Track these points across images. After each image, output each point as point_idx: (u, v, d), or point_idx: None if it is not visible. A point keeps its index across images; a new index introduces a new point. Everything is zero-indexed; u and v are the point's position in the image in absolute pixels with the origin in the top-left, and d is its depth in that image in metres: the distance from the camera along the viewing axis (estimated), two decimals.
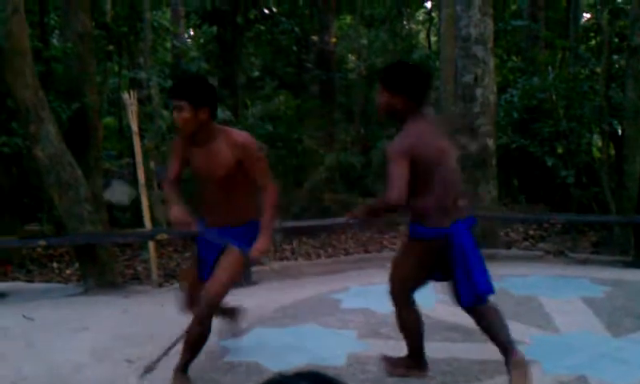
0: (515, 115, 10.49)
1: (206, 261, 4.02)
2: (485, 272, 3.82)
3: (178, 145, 4.11)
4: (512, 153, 11.44)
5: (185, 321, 4.02)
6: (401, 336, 4.11)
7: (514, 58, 14.74)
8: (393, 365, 4.17)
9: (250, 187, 3.97)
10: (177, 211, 3.94)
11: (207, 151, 3.86)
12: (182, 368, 3.96)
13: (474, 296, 3.81)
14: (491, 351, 4.50)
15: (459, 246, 3.76)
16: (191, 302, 4.08)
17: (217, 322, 4.67)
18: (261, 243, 3.92)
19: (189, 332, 3.91)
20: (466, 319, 5.24)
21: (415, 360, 4.11)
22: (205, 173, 3.92)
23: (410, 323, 4.05)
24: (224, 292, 3.88)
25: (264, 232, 3.96)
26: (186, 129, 3.82)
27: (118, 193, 4.08)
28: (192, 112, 3.76)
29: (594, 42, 13.31)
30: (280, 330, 5.17)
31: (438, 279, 4.01)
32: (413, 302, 4.03)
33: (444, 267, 3.86)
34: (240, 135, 3.99)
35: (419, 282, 4.02)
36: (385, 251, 9.00)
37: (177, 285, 6.68)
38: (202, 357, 4.11)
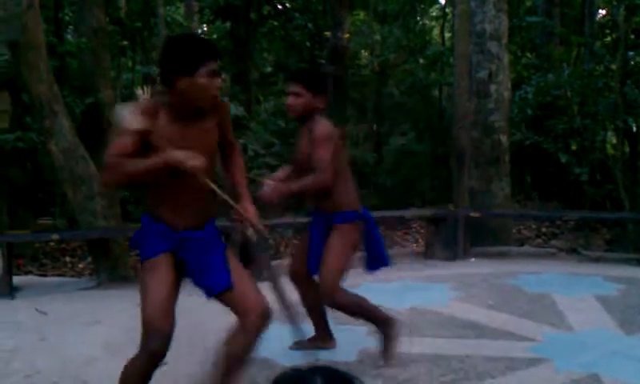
0: (529, 112, 10.43)
1: (207, 263, 3.16)
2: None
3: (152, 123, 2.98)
4: (526, 149, 11.39)
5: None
6: (414, 333, 4.11)
7: (529, 54, 14.67)
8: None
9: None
10: (191, 154, 2.93)
11: (202, 125, 3.08)
12: None
13: (383, 264, 4.33)
14: (504, 348, 4.49)
15: (371, 223, 4.25)
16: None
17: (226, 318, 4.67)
18: (250, 208, 3.27)
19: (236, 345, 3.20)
20: (478, 316, 5.24)
21: (389, 326, 4.22)
22: (200, 154, 2.98)
23: (356, 304, 4.17)
24: None
25: (245, 195, 3.30)
26: (213, 101, 3.05)
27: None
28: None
29: (609, 38, 13.22)
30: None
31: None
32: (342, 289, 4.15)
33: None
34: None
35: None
36: (395, 248, 8.99)
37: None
38: (212, 352, 4.11)
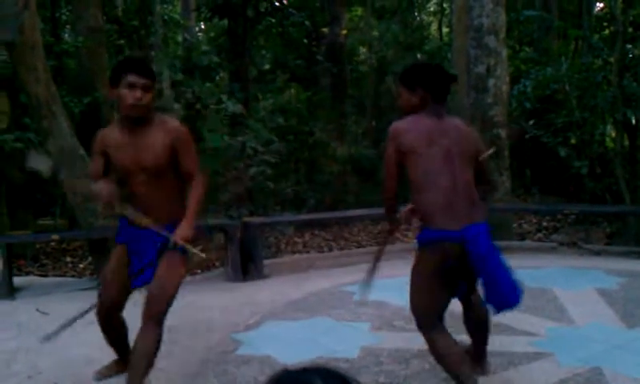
0: (528, 105, 10.42)
1: (141, 259, 3.55)
2: None
3: (105, 137, 3.60)
4: (525, 143, 11.38)
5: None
6: (415, 329, 4.08)
7: (527, 48, 14.65)
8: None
9: (177, 183, 3.60)
10: (103, 184, 3.47)
11: (143, 138, 3.44)
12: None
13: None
14: (506, 343, 4.49)
15: None
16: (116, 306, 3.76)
17: (227, 315, 4.69)
18: (182, 229, 3.47)
19: (144, 340, 3.37)
20: None
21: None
22: (136, 163, 3.46)
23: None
24: (175, 292, 3.46)
25: (187, 218, 3.51)
26: (144, 111, 3.40)
27: (37, 162, 3.77)
28: (152, 92, 3.45)
29: (607, 31, 13.21)
30: (292, 323, 5.16)
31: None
32: None
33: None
34: (173, 121, 3.65)
35: None
36: (398, 243, 8.96)
37: (189, 277, 6.66)
38: (215, 350, 4.11)
